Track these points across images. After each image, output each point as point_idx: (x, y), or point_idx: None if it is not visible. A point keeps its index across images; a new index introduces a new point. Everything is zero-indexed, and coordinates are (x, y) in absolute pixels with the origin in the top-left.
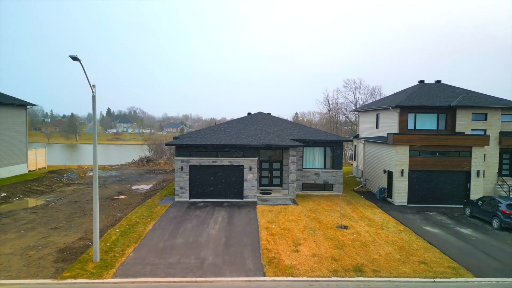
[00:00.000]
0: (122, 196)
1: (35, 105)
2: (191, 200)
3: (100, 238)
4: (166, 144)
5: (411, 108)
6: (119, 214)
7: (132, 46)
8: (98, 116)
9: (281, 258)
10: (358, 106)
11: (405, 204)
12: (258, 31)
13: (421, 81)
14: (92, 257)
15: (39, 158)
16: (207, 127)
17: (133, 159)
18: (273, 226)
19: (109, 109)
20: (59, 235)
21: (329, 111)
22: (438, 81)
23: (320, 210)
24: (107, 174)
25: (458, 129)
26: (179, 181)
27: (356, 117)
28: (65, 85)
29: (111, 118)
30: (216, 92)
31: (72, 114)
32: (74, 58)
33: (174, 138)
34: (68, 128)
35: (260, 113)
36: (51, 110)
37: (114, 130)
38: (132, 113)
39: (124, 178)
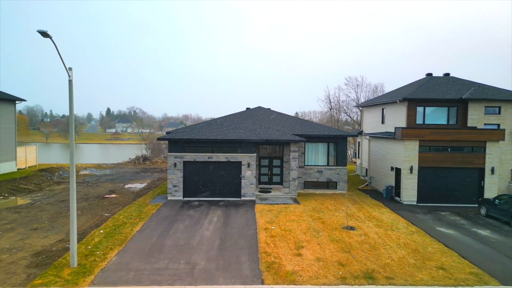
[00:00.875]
0: (113, 195)
1: (24, 100)
2: (185, 199)
3: (81, 241)
4: (158, 139)
5: (420, 101)
6: (106, 214)
7: (133, 46)
8: (98, 116)
9: (282, 263)
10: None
11: (415, 203)
12: (258, 31)
13: (429, 74)
14: (70, 261)
15: (30, 155)
16: (202, 122)
17: (130, 158)
18: (273, 227)
19: (108, 109)
20: (38, 237)
21: (330, 109)
22: (446, 74)
23: (324, 210)
24: (101, 173)
25: (470, 123)
26: (172, 178)
27: (358, 115)
28: (66, 85)
29: (110, 118)
30: (216, 92)
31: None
32: (44, 34)
33: (167, 132)
34: (67, 127)
35: (259, 107)
36: (51, 110)
37: (114, 130)
38: (132, 113)
39: (118, 176)
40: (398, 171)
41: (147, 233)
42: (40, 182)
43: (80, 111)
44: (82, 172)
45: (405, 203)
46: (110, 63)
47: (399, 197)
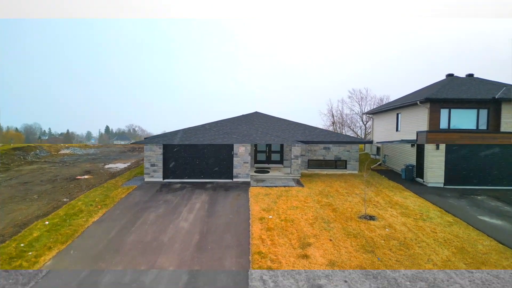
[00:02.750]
0: (86, 176)
1: None
2: (165, 180)
3: (15, 236)
4: (133, 143)
5: (445, 101)
6: (65, 199)
7: (133, 64)
8: (97, 134)
9: (282, 269)
10: (364, 118)
11: (442, 185)
12: (258, 43)
13: (450, 75)
14: None
15: None
16: (188, 127)
17: None
18: (270, 216)
19: (107, 127)
20: None
21: (333, 123)
22: (470, 75)
23: (333, 194)
24: (83, 152)
25: (504, 128)
26: (150, 156)
27: (362, 129)
28: (65, 104)
29: (109, 136)
30: (215, 108)
31: (68, 131)
32: None
33: (145, 138)
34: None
35: (256, 113)
36: (49, 128)
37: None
38: (131, 131)
39: (101, 156)
40: (420, 148)
41: (105, 225)
42: (9, 161)
43: (79, 129)
44: (62, 151)
45: (430, 185)
46: (110, 83)
47: (422, 178)
